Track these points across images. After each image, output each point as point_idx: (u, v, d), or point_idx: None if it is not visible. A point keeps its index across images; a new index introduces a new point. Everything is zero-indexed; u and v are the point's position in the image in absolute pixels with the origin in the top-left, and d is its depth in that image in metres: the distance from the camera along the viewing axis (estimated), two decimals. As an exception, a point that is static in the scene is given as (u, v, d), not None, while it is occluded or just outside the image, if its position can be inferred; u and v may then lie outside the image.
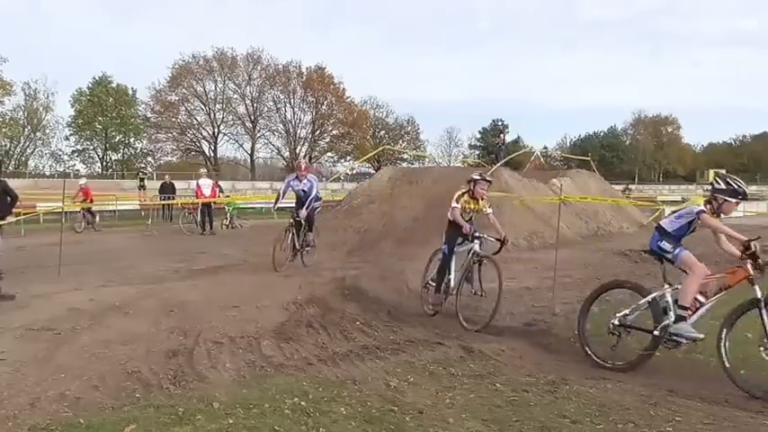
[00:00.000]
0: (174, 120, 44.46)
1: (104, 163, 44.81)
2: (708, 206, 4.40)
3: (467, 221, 6.28)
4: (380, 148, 35.49)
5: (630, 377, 4.27)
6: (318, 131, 48.59)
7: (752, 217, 15.17)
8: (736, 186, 4.37)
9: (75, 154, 44.22)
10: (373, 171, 34.10)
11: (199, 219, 15.45)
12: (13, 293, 6.57)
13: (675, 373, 4.37)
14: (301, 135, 47.97)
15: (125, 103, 43.55)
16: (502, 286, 5.78)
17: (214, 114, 45.63)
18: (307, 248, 9.35)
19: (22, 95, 39.55)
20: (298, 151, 46.84)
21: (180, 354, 4.66)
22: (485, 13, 72.47)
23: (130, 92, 44.00)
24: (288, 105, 47.07)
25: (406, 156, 47.21)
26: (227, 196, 18.67)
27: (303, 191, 9.18)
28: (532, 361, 4.73)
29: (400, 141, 51.42)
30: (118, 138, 44.10)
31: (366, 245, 11.58)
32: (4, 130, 38.01)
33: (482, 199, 6.31)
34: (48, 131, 41.94)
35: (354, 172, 38.06)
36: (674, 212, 4.70)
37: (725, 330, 4.13)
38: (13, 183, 8.89)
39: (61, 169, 40.97)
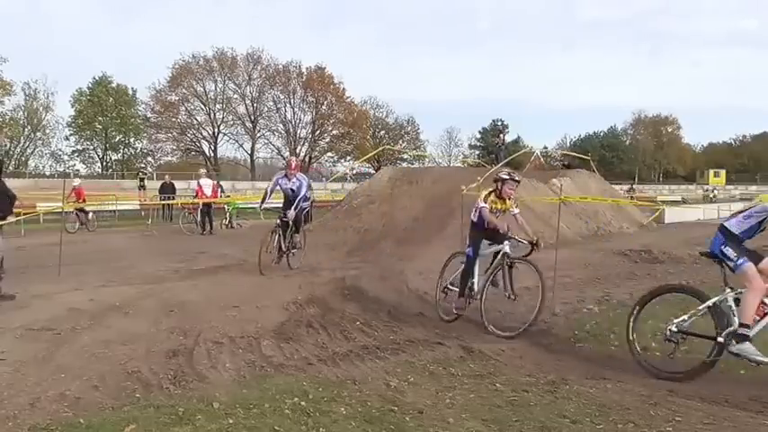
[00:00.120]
0: (174, 120, 44.56)
1: (104, 163, 44.92)
2: None
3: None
4: (380, 148, 35.54)
5: (630, 377, 4.25)
6: (318, 131, 48.67)
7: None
8: None
9: (75, 154, 44.41)
10: (373, 171, 34.13)
11: (199, 219, 15.46)
12: (13, 293, 6.56)
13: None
14: (301, 135, 48.19)
15: (125, 103, 43.65)
16: (545, 291, 5.47)
17: (214, 114, 45.76)
18: (293, 250, 9.02)
19: (22, 95, 39.79)
20: (298, 151, 46.90)
21: (180, 354, 4.66)
22: (484, 12, 72.68)
23: (130, 92, 44.18)
24: (288, 105, 47.26)
25: (406, 156, 47.29)
26: (227, 196, 18.68)
27: (291, 190, 8.87)
28: (532, 361, 4.72)
29: (400, 141, 51.50)
30: (118, 138, 44.19)
31: (366, 245, 11.59)
32: (5, 130, 38.01)
33: (509, 198, 6.01)
34: (48, 131, 42.18)
35: (354, 172, 38.05)
36: (739, 212, 4.37)
37: None
38: (13, 183, 8.90)
39: (61, 169, 41.12)
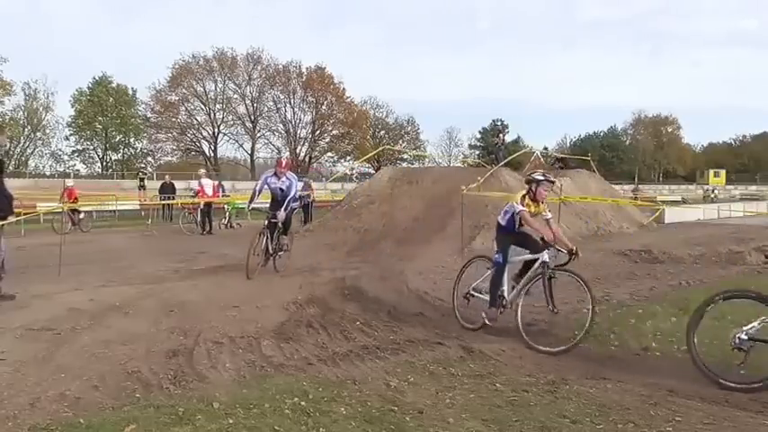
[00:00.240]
0: (174, 120, 44.53)
1: (104, 163, 44.88)
2: None
3: (520, 227, 5.53)
4: (380, 148, 35.53)
5: (631, 377, 4.25)
6: (318, 131, 48.65)
7: (752, 217, 15.22)
8: None
9: (76, 154, 44.35)
10: (373, 171, 34.12)
11: (199, 219, 15.48)
12: (13, 293, 6.56)
13: (675, 373, 4.34)
14: (301, 135, 48.13)
15: (125, 103, 43.62)
16: (595, 303, 5.16)
17: (214, 114, 45.74)
18: (280, 253, 8.64)
19: (22, 95, 39.74)
20: (298, 151, 46.93)
21: (180, 354, 4.66)
22: (484, 12, 72.68)
23: (130, 92, 44.13)
24: (288, 105, 47.22)
25: (406, 156, 47.28)
26: (227, 196, 18.68)
27: (281, 189, 8.51)
28: (532, 361, 4.72)
29: (400, 141, 51.48)
30: (118, 138, 44.16)
31: (366, 245, 11.58)
32: (5, 130, 38.02)
33: (542, 202, 5.54)
34: (48, 131, 42.12)
35: (354, 173, 38.04)
36: None
37: None
38: (13, 183, 8.89)
39: (61, 169, 41.07)
